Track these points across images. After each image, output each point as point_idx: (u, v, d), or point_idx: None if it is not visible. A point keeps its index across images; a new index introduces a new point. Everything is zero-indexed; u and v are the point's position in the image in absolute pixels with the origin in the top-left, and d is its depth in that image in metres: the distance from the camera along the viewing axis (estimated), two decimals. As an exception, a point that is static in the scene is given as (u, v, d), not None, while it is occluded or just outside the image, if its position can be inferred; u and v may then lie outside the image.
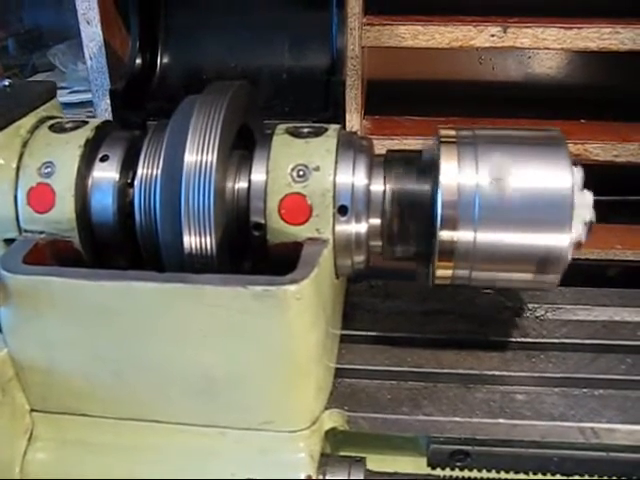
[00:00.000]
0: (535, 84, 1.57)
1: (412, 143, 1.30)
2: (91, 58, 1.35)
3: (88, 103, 1.76)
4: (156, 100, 1.19)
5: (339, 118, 1.16)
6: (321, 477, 0.87)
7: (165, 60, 1.23)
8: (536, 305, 1.08)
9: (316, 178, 0.82)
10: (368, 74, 1.45)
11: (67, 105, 2.09)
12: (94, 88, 1.39)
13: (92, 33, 1.31)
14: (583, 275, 1.18)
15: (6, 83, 0.97)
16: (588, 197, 0.84)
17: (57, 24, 2.64)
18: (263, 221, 0.83)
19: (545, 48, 1.26)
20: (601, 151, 1.31)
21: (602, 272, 1.50)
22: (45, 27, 2.75)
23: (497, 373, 0.96)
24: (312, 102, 1.15)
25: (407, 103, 1.48)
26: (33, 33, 2.74)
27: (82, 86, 2.22)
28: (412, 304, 1.09)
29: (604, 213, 1.42)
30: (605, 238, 1.43)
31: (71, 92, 2.30)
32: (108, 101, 1.25)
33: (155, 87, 1.22)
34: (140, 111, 1.15)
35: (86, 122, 0.92)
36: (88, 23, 1.31)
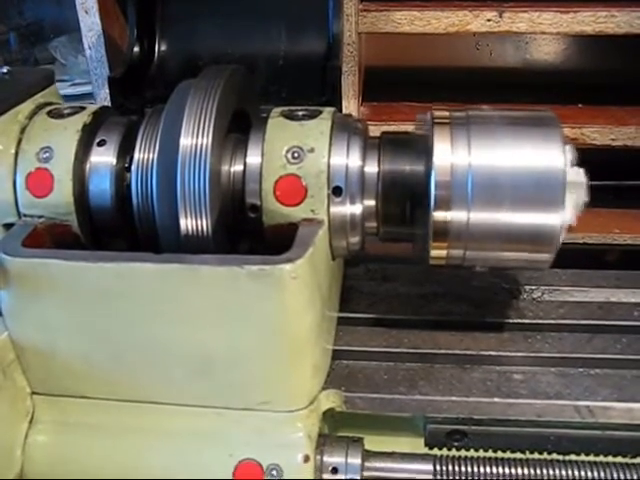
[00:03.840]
0: (532, 69, 1.57)
1: (410, 129, 1.30)
2: (90, 48, 1.35)
3: (89, 95, 1.77)
4: (154, 87, 1.20)
5: (336, 103, 1.16)
6: (319, 457, 0.88)
7: (163, 48, 1.24)
8: (533, 287, 1.09)
9: (311, 159, 0.83)
10: (366, 61, 1.46)
11: (68, 97, 2.09)
12: (93, 77, 1.39)
13: (91, 23, 1.32)
14: (581, 259, 1.19)
15: (4, 70, 0.98)
16: (581, 176, 0.84)
17: (57, 17, 2.65)
18: (259, 202, 0.84)
19: (541, 32, 1.26)
20: (598, 135, 1.31)
21: (600, 256, 1.50)
22: (46, 20, 2.75)
23: (494, 353, 0.96)
24: (309, 87, 1.16)
25: (405, 90, 1.48)
26: (34, 27, 2.75)
27: (83, 78, 2.23)
28: (409, 287, 1.10)
29: (602, 198, 1.44)
30: (603, 222, 1.43)
31: (72, 84, 2.31)
32: (107, 90, 1.25)
33: (153, 75, 1.23)
34: (138, 98, 1.16)
35: (84, 108, 0.93)
36: (86, 13, 1.31)
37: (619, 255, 1.52)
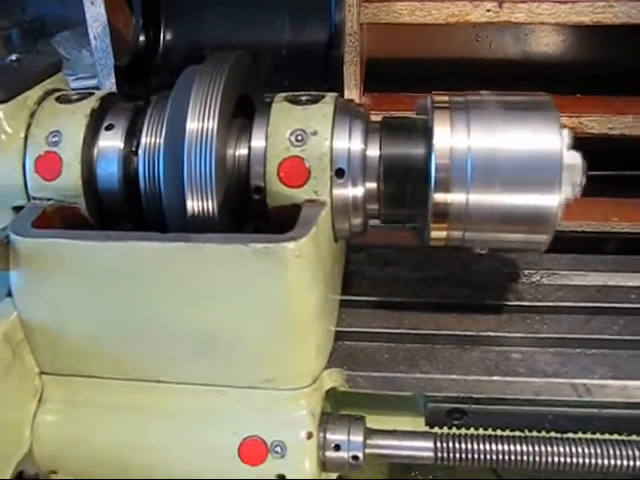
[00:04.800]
0: (532, 61, 1.59)
1: (411, 118, 1.32)
2: (95, 38, 1.37)
3: (93, 89, 1.79)
4: (159, 76, 1.22)
5: (337, 92, 1.17)
6: (322, 434, 0.90)
7: (168, 37, 1.26)
8: (532, 271, 1.11)
9: (314, 142, 0.85)
10: (368, 52, 1.48)
11: (72, 91, 2.11)
12: (99, 68, 1.41)
13: (96, 13, 1.34)
14: (580, 249, 1.20)
15: (13, 58, 0.99)
16: (578, 159, 0.86)
17: (60, 13, 2.66)
18: (263, 184, 0.86)
19: (540, 23, 1.28)
20: (596, 124, 1.33)
21: (599, 245, 1.52)
22: (48, 16, 2.76)
23: (492, 334, 0.98)
24: (311, 76, 1.18)
25: (406, 81, 1.49)
26: (36, 23, 2.76)
27: (87, 73, 2.24)
28: (410, 271, 1.12)
29: (601, 187, 1.45)
30: (602, 211, 1.45)
31: (76, 79, 2.32)
32: (113, 80, 1.27)
33: (158, 64, 1.24)
34: (144, 87, 1.17)
35: (91, 94, 0.95)
36: (92, 4, 1.33)
37: (617, 245, 1.54)
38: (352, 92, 1.32)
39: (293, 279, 0.80)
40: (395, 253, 1.16)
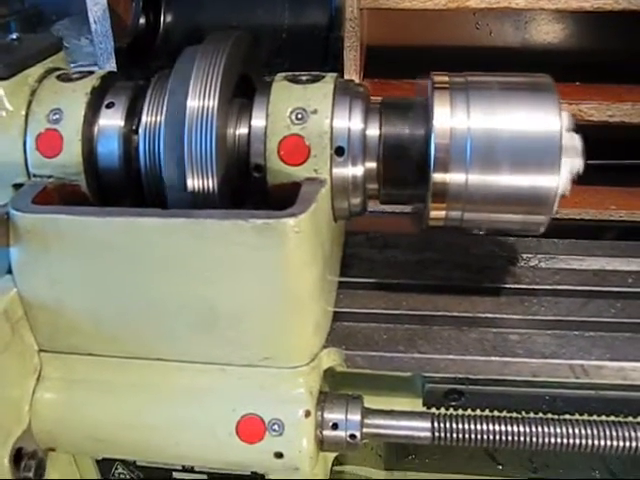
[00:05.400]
0: (531, 48, 1.59)
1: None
2: (96, 22, 1.37)
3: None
4: (159, 59, 1.22)
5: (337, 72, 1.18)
6: (319, 413, 0.90)
7: (168, 20, 1.26)
8: (530, 255, 1.11)
9: (314, 120, 0.85)
10: (368, 40, 1.48)
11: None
12: (99, 52, 1.41)
13: (96, -3, 1.34)
14: (579, 236, 1.21)
15: (14, 37, 1.00)
16: (577, 140, 0.86)
17: (58, 1, 2.65)
18: (263, 162, 0.86)
19: (540, 9, 1.28)
20: (595, 111, 1.33)
21: (598, 234, 1.52)
22: (46, 5, 2.76)
23: (490, 316, 0.99)
24: (311, 60, 1.18)
25: (406, 68, 1.49)
26: (34, 10, 2.75)
27: (86, 61, 2.25)
28: (409, 254, 1.12)
29: (599, 175, 1.46)
30: (600, 199, 1.45)
31: (75, 67, 2.33)
32: (113, 64, 1.27)
33: (158, 46, 1.24)
34: (144, 69, 1.18)
35: (92, 72, 0.95)
36: (92, -13, 1.34)
37: (616, 233, 1.54)
38: (352, 78, 1.32)
39: (292, 255, 0.80)
40: (394, 236, 1.17)
